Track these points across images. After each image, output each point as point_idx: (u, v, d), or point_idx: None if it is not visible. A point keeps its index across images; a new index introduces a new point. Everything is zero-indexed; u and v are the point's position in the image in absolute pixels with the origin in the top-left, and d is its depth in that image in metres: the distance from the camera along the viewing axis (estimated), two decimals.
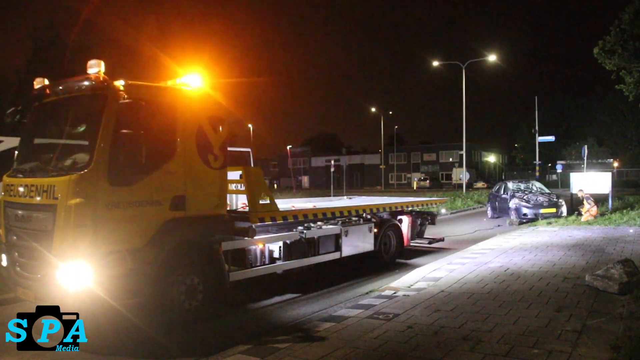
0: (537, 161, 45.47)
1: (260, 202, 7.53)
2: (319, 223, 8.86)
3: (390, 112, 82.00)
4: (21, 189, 5.86)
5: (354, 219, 9.72)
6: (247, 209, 7.45)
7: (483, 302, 6.54)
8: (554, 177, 62.53)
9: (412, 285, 7.77)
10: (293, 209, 8.81)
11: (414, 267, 9.80)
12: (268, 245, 7.83)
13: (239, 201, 7.98)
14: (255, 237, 7.29)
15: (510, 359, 4.53)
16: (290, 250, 8.02)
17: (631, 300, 6.25)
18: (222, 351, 5.19)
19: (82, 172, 5.40)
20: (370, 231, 9.69)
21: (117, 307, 5.56)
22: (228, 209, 7.18)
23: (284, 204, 9.82)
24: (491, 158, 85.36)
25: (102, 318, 5.71)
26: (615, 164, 65.14)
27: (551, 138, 45.81)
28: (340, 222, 9.23)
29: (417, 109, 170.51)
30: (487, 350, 4.74)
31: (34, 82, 6.47)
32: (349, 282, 8.89)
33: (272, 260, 7.93)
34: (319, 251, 8.54)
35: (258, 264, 7.71)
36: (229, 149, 7.04)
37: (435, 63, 40.28)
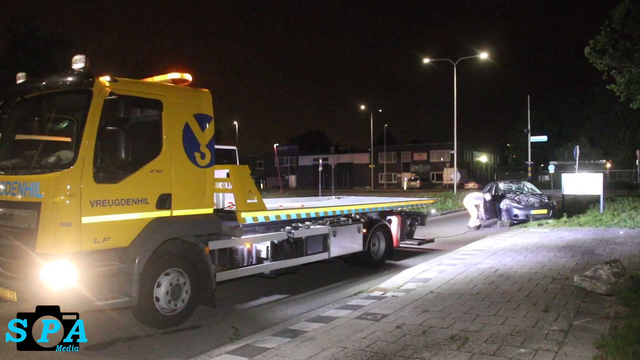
0: (529, 161, 45.53)
1: (248, 201, 7.46)
2: (307, 223, 8.79)
3: (380, 110, 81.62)
4: (2, 187, 5.76)
5: (342, 219, 9.65)
6: (234, 208, 7.38)
7: (472, 302, 6.53)
8: (547, 177, 62.79)
9: (401, 286, 7.74)
10: (281, 208, 8.75)
11: (403, 268, 9.77)
12: (255, 245, 7.75)
13: (225, 200, 7.90)
14: (242, 237, 7.22)
15: (498, 357, 4.53)
16: (277, 251, 7.95)
17: (618, 301, 6.28)
18: (209, 351, 5.14)
19: (66, 170, 5.32)
20: (359, 231, 9.64)
21: (101, 307, 5.48)
22: (215, 207, 7.11)
23: (272, 203, 9.75)
24: (483, 158, 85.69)
25: (86, 317, 5.63)
26: (608, 165, 65.57)
27: (543, 138, 46.00)
28: (328, 222, 9.17)
29: (407, 108, 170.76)
30: (475, 350, 4.73)
31: (16, 77, 6.36)
32: (338, 282, 8.85)
33: (260, 260, 7.85)
34: (307, 251, 8.47)
35: (245, 264, 7.63)
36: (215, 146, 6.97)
37: (426, 60, 40.05)
